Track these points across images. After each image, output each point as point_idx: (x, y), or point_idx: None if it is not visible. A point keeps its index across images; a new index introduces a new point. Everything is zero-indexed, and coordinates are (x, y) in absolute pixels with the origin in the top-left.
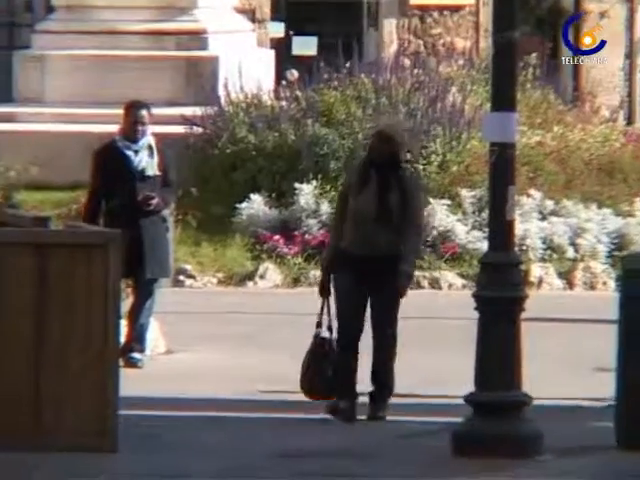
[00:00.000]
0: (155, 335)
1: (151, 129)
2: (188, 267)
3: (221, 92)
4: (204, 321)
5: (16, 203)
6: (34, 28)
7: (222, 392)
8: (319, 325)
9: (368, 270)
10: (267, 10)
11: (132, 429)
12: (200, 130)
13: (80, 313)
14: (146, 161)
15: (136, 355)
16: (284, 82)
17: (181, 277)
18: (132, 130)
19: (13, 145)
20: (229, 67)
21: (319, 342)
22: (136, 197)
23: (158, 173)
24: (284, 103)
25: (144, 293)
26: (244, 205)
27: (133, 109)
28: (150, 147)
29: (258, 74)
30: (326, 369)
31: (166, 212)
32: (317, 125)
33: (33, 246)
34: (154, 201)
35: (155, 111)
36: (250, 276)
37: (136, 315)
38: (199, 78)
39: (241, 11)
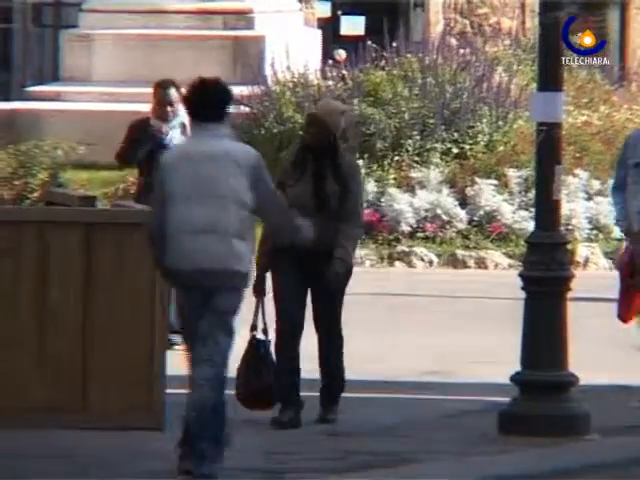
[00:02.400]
0: None
1: (182, 106)
2: None
3: (268, 72)
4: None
5: (63, 182)
6: (81, 7)
7: None
8: (254, 328)
9: (308, 263)
10: None
11: (179, 408)
12: (247, 110)
13: (127, 291)
14: (178, 139)
15: (173, 337)
16: (331, 62)
17: None
18: (161, 111)
19: (60, 124)
20: (276, 47)
21: (255, 345)
22: None
23: None
24: (331, 83)
25: None
26: None
27: (159, 89)
28: (184, 125)
29: (305, 54)
30: (264, 374)
31: None
32: (364, 105)
33: (80, 225)
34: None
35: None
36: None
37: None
38: (246, 58)
39: None
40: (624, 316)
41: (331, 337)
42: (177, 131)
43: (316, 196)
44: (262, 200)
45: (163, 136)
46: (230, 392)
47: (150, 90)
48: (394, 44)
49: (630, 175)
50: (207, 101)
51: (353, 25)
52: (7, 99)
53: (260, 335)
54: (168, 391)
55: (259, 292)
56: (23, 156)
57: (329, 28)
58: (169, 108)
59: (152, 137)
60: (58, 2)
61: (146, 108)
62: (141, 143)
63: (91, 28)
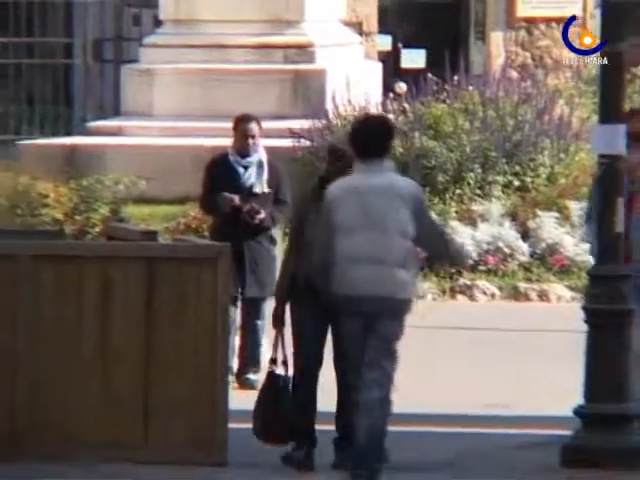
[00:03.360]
0: (268, 346)
1: (260, 143)
2: None
3: (329, 105)
4: None
5: (124, 217)
6: (142, 42)
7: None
8: (273, 361)
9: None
10: (374, 23)
11: (242, 443)
12: (307, 143)
13: (189, 327)
14: (255, 177)
15: (251, 376)
16: (392, 95)
17: None
18: (242, 144)
19: (121, 159)
20: (336, 80)
21: (273, 379)
22: (241, 213)
23: (267, 190)
24: (392, 116)
25: (249, 312)
26: None
27: (242, 123)
28: (261, 163)
29: (365, 87)
30: (280, 409)
31: (275, 231)
32: (424, 138)
33: (142, 260)
34: (260, 216)
35: (262, 124)
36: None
37: (246, 334)
38: (306, 91)
39: (348, 24)
40: None
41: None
42: (254, 169)
43: (311, 223)
44: (424, 230)
45: (240, 176)
46: None
47: (210, 125)
48: (455, 77)
49: None
50: (372, 137)
51: (414, 58)
52: (68, 134)
53: (280, 368)
54: (231, 426)
55: (278, 324)
56: (84, 191)
57: (390, 61)
58: (250, 141)
59: (228, 175)
60: (119, 37)
61: (206, 142)
62: (220, 182)
63: (152, 63)
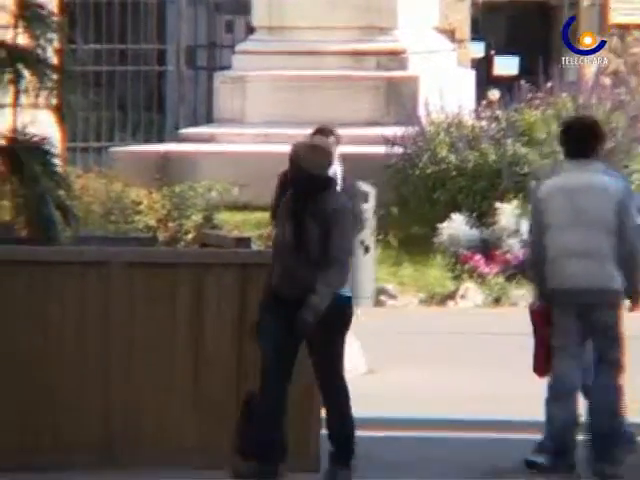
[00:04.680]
0: (356, 355)
1: (336, 156)
2: (389, 287)
3: (421, 112)
4: (406, 341)
5: (217, 224)
6: (234, 49)
7: (423, 412)
8: None
9: (288, 310)
10: (467, 30)
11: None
12: (400, 150)
13: None
14: None
15: None
16: (484, 102)
17: (382, 297)
18: None
19: (214, 166)
20: (429, 87)
21: (247, 396)
22: None
23: None
24: (484, 123)
25: None
26: (445, 225)
27: (317, 136)
28: (334, 176)
29: (458, 94)
30: (252, 427)
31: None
32: (518, 145)
33: (235, 267)
34: None
35: (355, 131)
36: (451, 296)
37: None
38: (399, 98)
39: (441, 31)
40: (542, 370)
41: (326, 392)
42: None
43: (294, 238)
44: (624, 227)
45: None
46: None
47: (303, 132)
48: (548, 84)
49: None
50: (581, 138)
51: (507, 65)
52: (161, 141)
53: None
54: (324, 432)
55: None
56: (177, 198)
57: (483, 68)
58: None
59: None
60: (212, 44)
61: None
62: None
63: (245, 70)
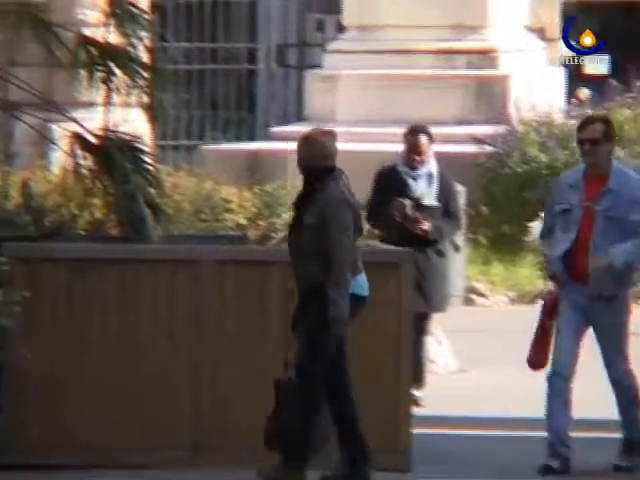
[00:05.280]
0: (447, 354)
1: (432, 155)
2: (479, 286)
3: (512, 111)
4: (495, 340)
5: None
6: (325, 47)
7: (513, 411)
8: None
9: (297, 304)
10: (557, 29)
11: (424, 447)
12: (491, 149)
13: (373, 332)
14: (424, 189)
15: (414, 392)
16: (575, 101)
17: (472, 296)
18: (409, 157)
19: None
20: (519, 86)
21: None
22: (403, 223)
23: (436, 203)
24: (575, 122)
25: (415, 327)
26: (535, 224)
27: (411, 134)
28: (430, 175)
29: (549, 93)
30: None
31: (445, 245)
32: None
33: None
34: (422, 226)
35: (445, 130)
36: (541, 294)
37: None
38: (490, 97)
39: (531, 30)
40: (537, 362)
41: (298, 382)
42: (423, 181)
43: (294, 229)
44: None
45: (410, 186)
46: None
47: (393, 130)
48: (639, 83)
49: (557, 222)
50: None
51: (597, 64)
52: (251, 139)
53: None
54: (414, 431)
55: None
56: (268, 196)
57: (573, 67)
58: (416, 155)
59: (397, 186)
60: (303, 43)
61: (389, 148)
62: (388, 193)
63: (335, 68)
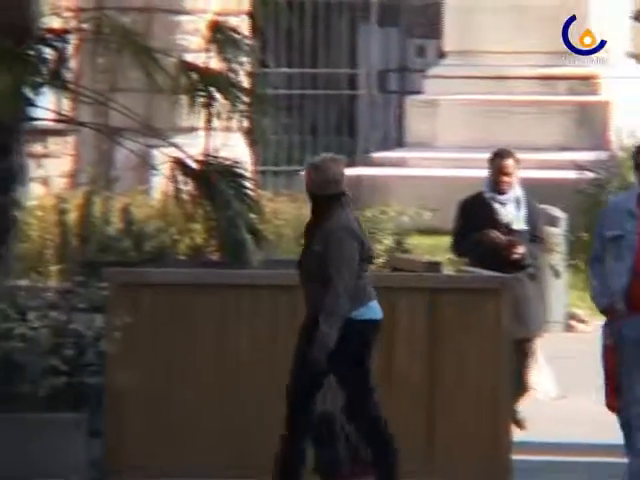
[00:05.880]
0: (547, 380)
1: (518, 179)
2: (579, 312)
3: (613, 137)
4: (596, 366)
5: (407, 248)
6: (426, 73)
7: (613, 437)
8: None
9: (305, 329)
10: None
11: (525, 474)
12: (591, 175)
13: (473, 357)
14: (512, 214)
15: (519, 411)
16: None
17: (572, 322)
18: (496, 181)
19: (405, 190)
20: (620, 112)
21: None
22: (499, 252)
23: (525, 227)
24: None
25: (516, 353)
26: None
27: (498, 159)
28: (518, 200)
29: None
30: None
31: (537, 268)
32: None
33: (426, 290)
34: (519, 250)
35: (545, 156)
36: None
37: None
38: (591, 123)
39: (633, 56)
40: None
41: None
42: (511, 206)
43: (302, 256)
44: None
45: (498, 213)
46: None
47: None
48: None
49: (608, 249)
50: None
51: None
52: (351, 165)
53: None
54: (514, 457)
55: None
56: (369, 222)
57: None
58: (506, 178)
59: (484, 213)
60: (403, 68)
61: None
62: (476, 220)
63: (436, 94)
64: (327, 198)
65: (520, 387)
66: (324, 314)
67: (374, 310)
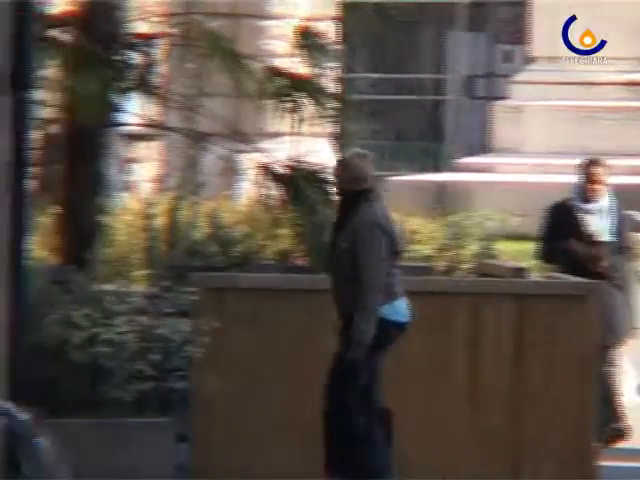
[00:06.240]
0: (633, 386)
1: (607, 189)
2: None
3: None
4: None
5: (494, 253)
6: (513, 78)
7: None
8: None
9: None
10: None
11: None
12: None
13: (559, 364)
14: (597, 225)
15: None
16: None
17: None
18: (585, 189)
19: (490, 196)
20: None
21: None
22: (584, 264)
23: (610, 238)
24: None
25: (603, 359)
26: None
27: (587, 167)
28: (606, 209)
29: None
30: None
31: (624, 278)
32: None
33: (512, 296)
34: (604, 263)
35: (633, 162)
36: None
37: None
38: None
39: None
40: None
41: (331, 414)
42: (597, 215)
43: (331, 253)
44: None
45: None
46: None
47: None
48: None
49: None
50: None
51: None
52: (437, 170)
53: None
54: (602, 463)
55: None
56: (454, 227)
57: None
58: (595, 186)
59: (569, 221)
60: (490, 74)
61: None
62: (561, 229)
63: (522, 99)
64: (354, 194)
65: (608, 396)
66: (357, 310)
67: (399, 311)
